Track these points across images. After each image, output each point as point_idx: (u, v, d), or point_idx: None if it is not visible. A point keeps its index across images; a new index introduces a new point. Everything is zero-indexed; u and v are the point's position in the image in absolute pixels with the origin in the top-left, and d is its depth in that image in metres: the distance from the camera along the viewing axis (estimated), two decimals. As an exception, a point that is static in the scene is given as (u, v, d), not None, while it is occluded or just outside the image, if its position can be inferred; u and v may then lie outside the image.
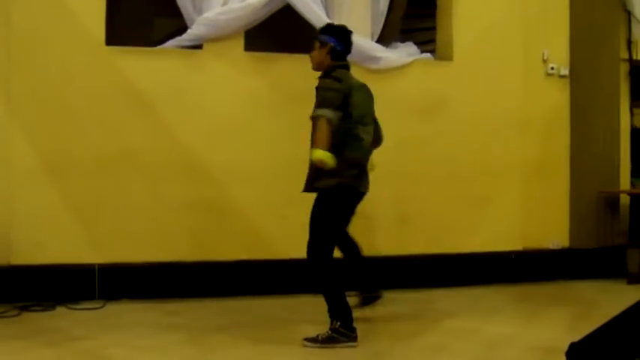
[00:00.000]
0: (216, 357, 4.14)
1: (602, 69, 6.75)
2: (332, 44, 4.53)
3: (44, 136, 5.41)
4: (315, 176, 4.39)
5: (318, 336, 4.34)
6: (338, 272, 4.40)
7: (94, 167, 5.47)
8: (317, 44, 4.55)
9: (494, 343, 4.41)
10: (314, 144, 4.29)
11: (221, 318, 5.04)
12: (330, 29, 4.62)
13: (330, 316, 4.37)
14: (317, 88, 4.43)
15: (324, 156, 4.21)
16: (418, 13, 7.30)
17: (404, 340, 4.50)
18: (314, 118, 4.33)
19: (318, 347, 4.29)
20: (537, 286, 6.35)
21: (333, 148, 4.25)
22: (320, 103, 4.33)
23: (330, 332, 4.33)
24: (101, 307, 5.25)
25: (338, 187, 4.36)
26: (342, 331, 4.32)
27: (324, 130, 4.26)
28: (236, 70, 5.81)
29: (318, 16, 5.83)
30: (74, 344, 4.27)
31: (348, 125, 4.37)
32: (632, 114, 6.83)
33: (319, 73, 4.53)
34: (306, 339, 4.34)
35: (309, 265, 4.42)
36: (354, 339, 4.34)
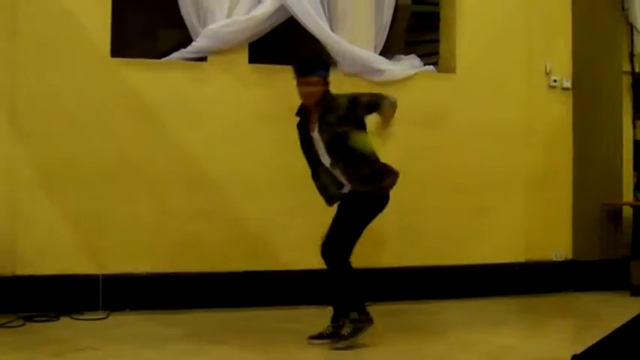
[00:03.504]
0: (219, 368, 4.16)
1: (605, 82, 6.77)
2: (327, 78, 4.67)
3: (49, 147, 5.43)
4: (378, 179, 4.58)
5: (341, 335, 4.48)
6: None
7: (98, 178, 5.49)
8: (316, 79, 4.54)
9: (498, 354, 4.41)
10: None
11: (225, 329, 5.04)
12: (320, 63, 4.68)
13: (342, 312, 4.55)
14: (352, 101, 4.52)
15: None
16: (422, 26, 7.34)
17: (407, 352, 4.50)
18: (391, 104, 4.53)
19: (349, 345, 4.43)
20: (540, 297, 6.35)
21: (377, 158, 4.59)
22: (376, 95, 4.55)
23: (352, 325, 4.48)
24: (105, 318, 5.26)
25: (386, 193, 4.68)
26: (362, 318, 4.50)
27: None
28: (240, 82, 5.84)
29: (321, 29, 5.86)
30: (78, 355, 4.28)
31: None
32: (634, 126, 6.84)
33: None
34: (333, 341, 4.48)
35: (331, 262, 4.53)
36: (372, 320, 4.54)
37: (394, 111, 4.52)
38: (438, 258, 6.23)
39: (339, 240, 4.54)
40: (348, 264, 4.55)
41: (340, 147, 4.50)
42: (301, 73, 4.58)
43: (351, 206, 4.58)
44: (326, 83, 4.61)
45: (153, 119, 5.63)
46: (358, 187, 4.55)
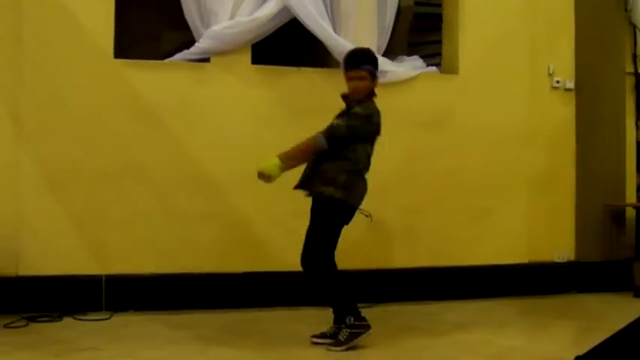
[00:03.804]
0: (222, 368, 4.16)
1: (608, 83, 6.76)
2: (375, 72, 4.67)
3: (52, 149, 5.45)
4: (329, 183, 4.50)
5: (337, 340, 4.48)
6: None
7: (101, 180, 5.51)
8: (363, 73, 4.56)
9: (501, 355, 4.41)
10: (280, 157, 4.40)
11: (228, 330, 5.04)
12: (367, 56, 4.67)
13: (341, 315, 4.54)
14: (347, 113, 4.56)
15: (274, 168, 4.33)
16: (424, 27, 7.34)
17: (410, 353, 4.50)
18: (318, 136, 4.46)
19: (345, 349, 4.44)
20: (543, 299, 6.35)
21: (361, 167, 4.56)
22: (333, 130, 4.48)
23: (348, 330, 4.48)
24: (108, 319, 5.27)
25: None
26: (357, 323, 4.50)
27: (310, 149, 4.46)
28: (243, 83, 5.84)
29: (324, 30, 5.87)
30: (81, 355, 4.29)
31: (371, 150, 4.63)
32: (637, 127, 6.84)
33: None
34: (329, 344, 4.50)
35: (312, 270, 4.55)
36: (369, 326, 4.53)
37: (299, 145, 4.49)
38: (440, 259, 6.23)
39: (312, 249, 4.53)
40: (330, 270, 4.53)
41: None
42: (348, 67, 4.62)
43: (315, 214, 4.59)
44: (373, 78, 4.61)
45: (156, 120, 5.64)
46: (313, 179, 4.53)
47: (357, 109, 4.54)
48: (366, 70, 4.57)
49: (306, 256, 4.54)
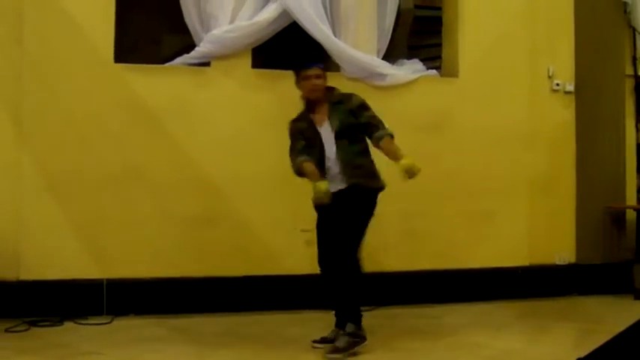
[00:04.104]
0: (223, 372, 4.17)
1: (608, 85, 6.77)
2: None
3: (52, 154, 5.45)
4: (369, 175, 4.57)
5: (336, 347, 4.43)
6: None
7: (102, 184, 5.51)
8: (319, 71, 4.58)
9: (501, 358, 4.41)
10: (401, 155, 4.41)
11: (229, 333, 5.05)
12: (316, 55, 4.78)
13: (343, 320, 4.52)
14: (362, 105, 4.58)
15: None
16: (424, 30, 7.35)
17: (410, 356, 4.51)
18: (391, 135, 4.53)
19: (346, 356, 4.40)
20: (544, 301, 6.34)
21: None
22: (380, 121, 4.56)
23: (349, 338, 4.45)
24: (109, 323, 5.27)
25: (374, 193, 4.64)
26: (359, 333, 4.48)
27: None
28: (243, 87, 5.85)
29: (324, 34, 5.87)
30: (82, 359, 4.29)
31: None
32: (637, 130, 6.84)
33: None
34: (329, 352, 4.42)
35: (342, 269, 4.47)
36: (365, 338, 4.51)
37: (393, 143, 4.50)
38: (441, 262, 6.23)
39: (347, 246, 4.46)
40: (359, 268, 4.50)
41: (348, 133, 4.50)
42: (304, 67, 4.58)
43: (353, 208, 4.49)
44: (325, 75, 4.65)
45: (156, 124, 5.65)
46: (354, 177, 4.50)
47: (362, 100, 4.60)
48: (321, 67, 4.62)
49: (338, 254, 4.45)
